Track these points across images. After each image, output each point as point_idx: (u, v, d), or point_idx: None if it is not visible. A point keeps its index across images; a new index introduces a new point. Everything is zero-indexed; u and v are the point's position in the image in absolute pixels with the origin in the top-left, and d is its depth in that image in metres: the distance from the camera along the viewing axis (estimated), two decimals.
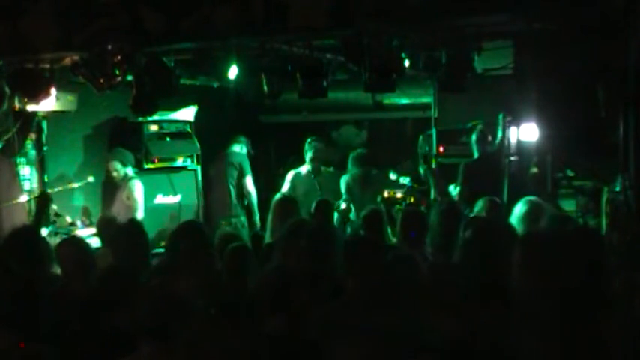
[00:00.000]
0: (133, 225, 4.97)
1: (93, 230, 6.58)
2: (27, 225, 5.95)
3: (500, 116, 6.90)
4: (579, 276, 2.30)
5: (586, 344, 2.25)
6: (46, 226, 6.83)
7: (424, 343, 2.87)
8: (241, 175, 7.95)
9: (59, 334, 3.41)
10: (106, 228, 5.79)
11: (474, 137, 6.80)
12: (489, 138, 6.80)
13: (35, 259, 4.32)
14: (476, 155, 6.78)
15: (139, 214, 7.04)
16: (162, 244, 5.83)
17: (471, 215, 5.36)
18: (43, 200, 6.23)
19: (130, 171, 7.42)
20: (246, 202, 8.06)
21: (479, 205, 5.37)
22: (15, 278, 3.64)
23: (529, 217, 4.96)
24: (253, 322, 3.38)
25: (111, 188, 7.60)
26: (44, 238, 5.16)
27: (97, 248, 5.64)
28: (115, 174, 7.36)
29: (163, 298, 3.13)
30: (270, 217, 5.75)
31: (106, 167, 7.58)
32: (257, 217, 7.93)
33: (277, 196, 6.12)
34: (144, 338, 3.05)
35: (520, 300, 2.42)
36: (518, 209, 5.13)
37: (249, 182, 7.96)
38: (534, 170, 6.02)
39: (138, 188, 7.29)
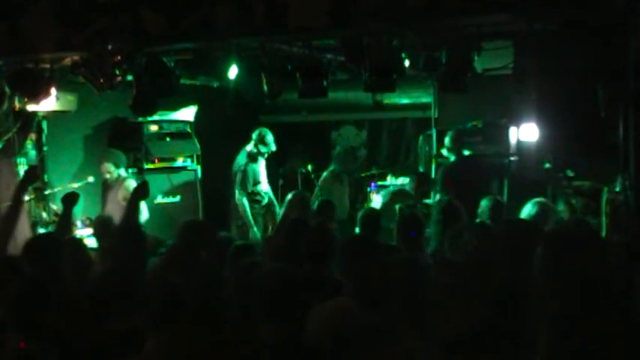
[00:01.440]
0: (131, 226, 4.94)
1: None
2: (49, 233, 5.88)
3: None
4: (593, 274, 2.32)
5: (592, 344, 2.27)
6: (46, 226, 6.82)
7: (426, 343, 2.86)
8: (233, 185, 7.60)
9: (59, 334, 3.41)
10: (102, 228, 5.77)
11: (447, 140, 6.81)
12: (463, 139, 6.81)
13: (53, 266, 4.26)
14: (452, 158, 6.80)
15: (144, 215, 6.98)
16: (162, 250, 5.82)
17: (475, 215, 5.38)
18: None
19: (122, 172, 7.37)
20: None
21: (482, 206, 5.39)
22: (23, 280, 3.63)
23: (539, 218, 4.97)
24: (252, 325, 3.37)
25: (109, 189, 7.59)
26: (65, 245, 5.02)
27: (94, 249, 5.63)
28: (107, 175, 7.30)
29: (167, 290, 3.14)
30: (282, 213, 5.78)
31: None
32: (255, 232, 7.47)
33: (292, 192, 6.14)
34: (148, 330, 3.05)
35: (539, 297, 2.43)
36: (528, 210, 5.12)
37: (237, 196, 7.53)
38: (547, 165, 6.02)
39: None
